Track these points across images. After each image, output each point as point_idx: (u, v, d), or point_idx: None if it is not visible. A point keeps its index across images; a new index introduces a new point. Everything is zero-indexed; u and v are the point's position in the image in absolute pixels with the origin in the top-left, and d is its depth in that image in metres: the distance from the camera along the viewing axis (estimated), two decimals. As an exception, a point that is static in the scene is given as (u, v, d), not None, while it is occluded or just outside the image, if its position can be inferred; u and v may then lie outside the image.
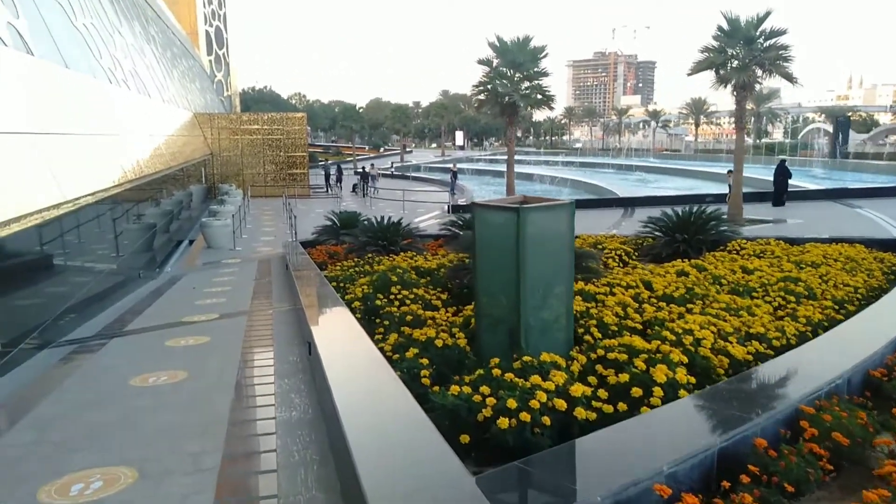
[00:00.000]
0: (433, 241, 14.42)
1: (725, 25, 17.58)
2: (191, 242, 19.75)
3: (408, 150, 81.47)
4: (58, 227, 8.48)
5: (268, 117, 34.23)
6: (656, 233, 12.33)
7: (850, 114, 64.60)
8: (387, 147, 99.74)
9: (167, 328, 7.94)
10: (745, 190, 19.85)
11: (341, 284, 8.17)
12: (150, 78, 21.76)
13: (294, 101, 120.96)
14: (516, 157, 66.57)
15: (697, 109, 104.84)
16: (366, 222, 13.17)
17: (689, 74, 18.39)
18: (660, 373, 3.78)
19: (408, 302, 6.47)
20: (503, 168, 52.66)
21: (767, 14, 17.01)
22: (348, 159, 67.23)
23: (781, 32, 17.08)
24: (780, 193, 21.31)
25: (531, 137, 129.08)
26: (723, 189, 29.49)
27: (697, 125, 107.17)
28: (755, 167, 46.05)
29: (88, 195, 9.34)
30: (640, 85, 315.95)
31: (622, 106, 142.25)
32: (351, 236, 12.94)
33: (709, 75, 18.40)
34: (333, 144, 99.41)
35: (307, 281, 9.24)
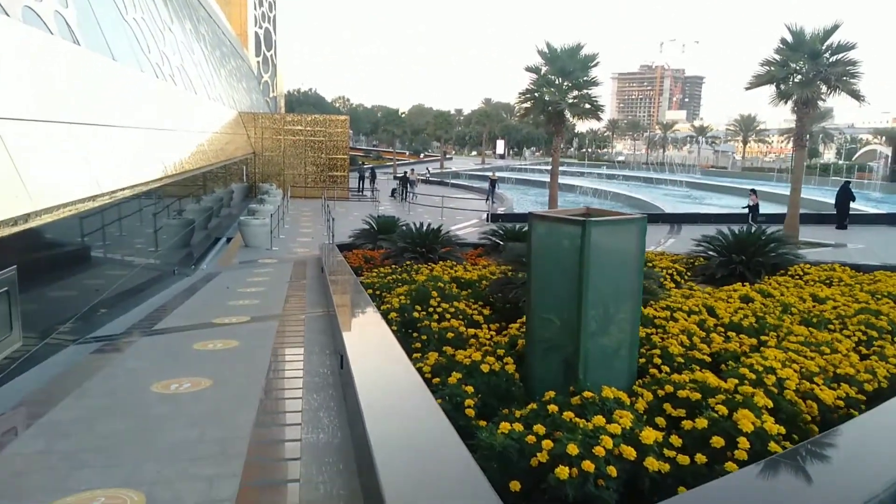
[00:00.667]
0: (472, 251, 13.97)
1: (789, 38, 16.73)
2: (228, 240, 19.71)
3: (448, 156, 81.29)
4: (97, 219, 8.31)
5: (311, 119, 34.32)
6: (710, 252, 11.62)
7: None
8: (427, 153, 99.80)
9: (197, 329, 7.66)
10: (801, 210, 18.91)
11: (377, 292, 7.76)
12: (198, 75, 21.89)
13: (338, 105, 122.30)
14: (564, 169, 65.74)
15: (746, 126, 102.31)
16: (404, 228, 12.78)
17: (747, 88, 17.58)
18: (745, 420, 3.24)
19: (447, 316, 6.01)
20: (544, 178, 52.01)
21: (835, 27, 16.13)
22: (388, 163, 67.38)
23: (850, 47, 16.16)
24: (843, 216, 20.22)
25: (573, 149, 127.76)
26: (774, 208, 28.37)
27: (745, 142, 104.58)
28: (809, 188, 44.41)
29: (126, 188, 9.17)
30: (687, 100, 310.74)
31: (667, 120, 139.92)
32: (388, 242, 12.58)
33: (764, 90, 17.58)
34: (374, 149, 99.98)
35: (342, 286, 8.87)
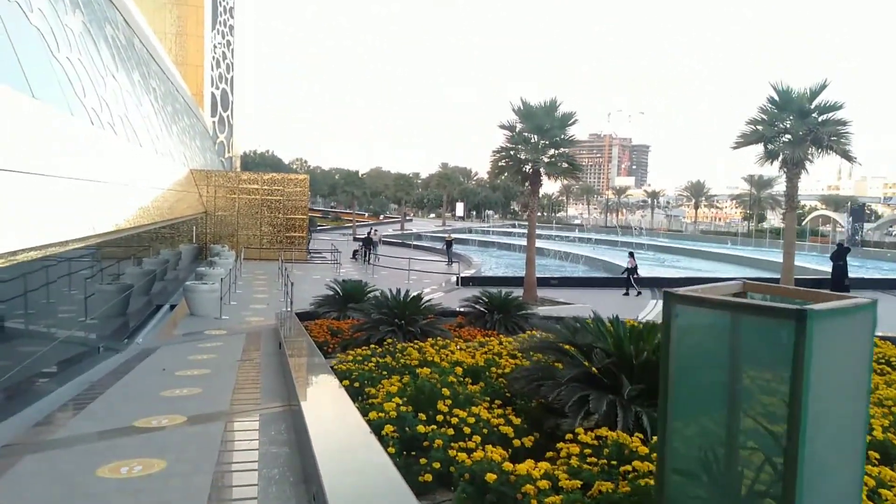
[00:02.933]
0: (452, 320, 12.31)
1: (776, 96, 16.14)
2: (172, 307, 17.50)
3: (408, 218, 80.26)
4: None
5: (268, 178, 32.66)
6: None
7: (861, 204, 64.02)
8: (386, 215, 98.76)
9: (108, 439, 5.68)
10: (770, 275, 17.94)
11: (356, 384, 5.98)
12: (145, 128, 20.12)
13: (295, 166, 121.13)
14: (519, 230, 65.16)
15: (697, 192, 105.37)
16: (378, 295, 11.06)
17: (734, 148, 16.84)
18: None
19: (466, 430, 4.28)
20: (509, 241, 51.20)
21: (823, 86, 15.63)
22: (347, 225, 65.75)
23: (838, 107, 15.64)
24: (841, 279, 19.24)
25: (528, 213, 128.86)
26: (759, 273, 27.78)
27: (697, 207, 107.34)
28: (767, 250, 44.61)
29: (33, 248, 7.25)
30: (634, 167, 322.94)
31: (619, 186, 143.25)
32: (360, 311, 10.80)
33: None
34: (332, 210, 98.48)
35: (307, 373, 7.04)
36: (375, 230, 39.33)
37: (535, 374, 5.03)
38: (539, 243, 47.21)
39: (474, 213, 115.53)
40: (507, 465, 3.42)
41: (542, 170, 18.57)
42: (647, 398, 4.36)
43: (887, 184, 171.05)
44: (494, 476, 3.32)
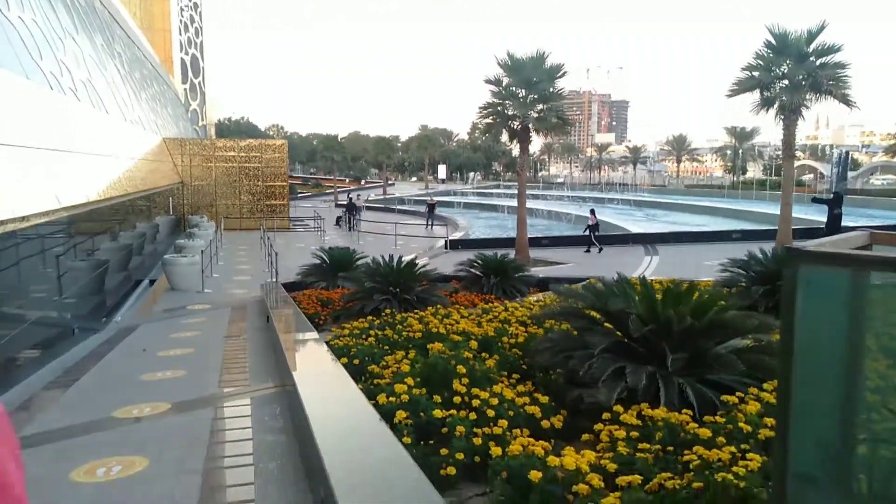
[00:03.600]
0: (446, 285, 11.80)
1: (772, 40, 15.52)
2: (152, 283, 16.79)
3: (390, 182, 79.13)
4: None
5: (245, 144, 31.52)
6: (741, 279, 9.80)
7: (845, 152, 64.06)
8: (367, 180, 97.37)
9: (83, 434, 5.12)
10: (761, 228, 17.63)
11: (355, 361, 5.44)
12: (111, 94, 19.02)
13: (272, 133, 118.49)
14: (503, 191, 64.45)
15: (679, 146, 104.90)
16: (370, 263, 10.48)
17: (729, 95, 16.26)
18: None
19: (487, 411, 3.77)
20: (494, 202, 50.53)
21: (822, 28, 15.02)
22: (328, 191, 64.61)
23: (836, 49, 15.07)
24: (837, 227, 18.91)
25: (510, 173, 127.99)
26: (750, 225, 27.49)
27: (679, 162, 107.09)
28: (755, 202, 44.48)
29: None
30: (614, 123, 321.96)
31: (599, 143, 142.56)
32: (351, 280, 10.23)
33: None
34: (312, 176, 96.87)
35: (300, 348, 6.49)
36: (358, 195, 38.51)
37: (561, 345, 4.52)
38: (528, 204, 46.67)
39: (456, 174, 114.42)
40: (553, 460, 2.90)
41: (531, 125, 17.86)
42: (691, 369, 3.89)
43: (864, 132, 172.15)
44: (539, 474, 2.81)
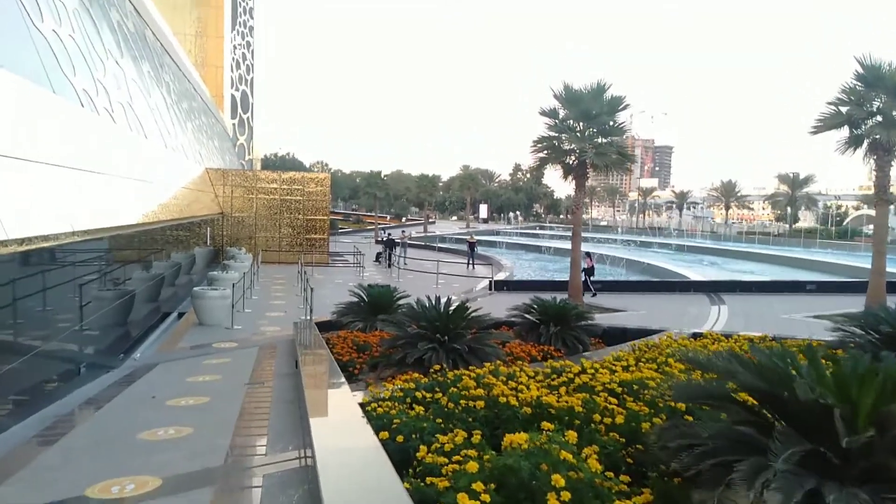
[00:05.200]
0: (496, 332, 10.41)
1: (862, 72, 14.01)
2: (181, 316, 15.84)
3: (430, 220, 78.52)
4: None
5: (288, 176, 31.02)
6: (854, 339, 8.16)
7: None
8: (408, 217, 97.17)
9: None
10: (838, 279, 15.64)
11: (398, 438, 4.12)
12: (153, 120, 18.54)
13: (316, 169, 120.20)
14: (546, 232, 62.95)
15: (728, 192, 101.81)
16: (413, 305, 9.20)
17: (813, 133, 14.75)
18: None
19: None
20: (537, 242, 49.10)
21: (922, 59, 13.45)
22: (369, 228, 64.18)
23: (939, 82, 13.46)
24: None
25: (552, 215, 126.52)
26: (821, 276, 25.38)
27: (728, 208, 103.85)
28: (817, 251, 41.97)
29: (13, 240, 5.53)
30: (657, 168, 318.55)
31: (644, 187, 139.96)
32: (392, 324, 8.95)
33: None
34: (354, 213, 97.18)
35: (328, 410, 5.21)
36: (403, 231, 37.59)
37: (716, 446, 3.10)
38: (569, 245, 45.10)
39: (496, 214, 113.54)
40: None
41: (588, 161, 16.56)
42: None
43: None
44: None
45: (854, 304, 17.14)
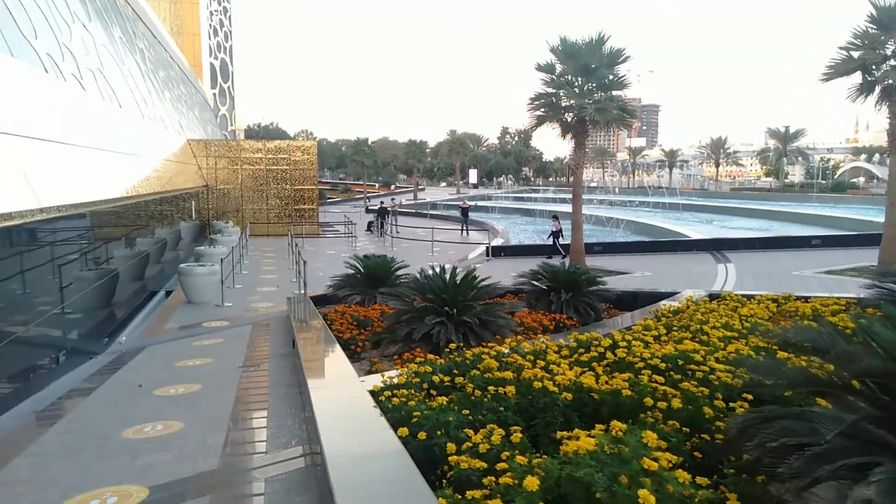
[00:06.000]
0: (500, 299, 9.82)
1: (876, 14, 13.27)
2: (168, 294, 15.15)
3: (420, 187, 77.48)
4: None
5: (273, 145, 29.99)
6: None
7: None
8: (397, 185, 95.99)
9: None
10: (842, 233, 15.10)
11: (420, 435, 3.53)
12: (128, 89, 17.54)
13: (301, 138, 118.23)
14: (538, 195, 62.17)
15: (717, 149, 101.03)
16: (417, 275, 8.57)
17: (824, 80, 14.05)
18: None
19: None
20: (531, 206, 48.39)
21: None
22: (358, 197, 63.17)
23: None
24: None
25: (541, 178, 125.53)
26: (823, 230, 24.89)
27: (718, 165, 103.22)
28: (816, 205, 41.65)
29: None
30: (645, 127, 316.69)
31: (632, 146, 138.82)
32: (395, 297, 8.32)
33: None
34: (342, 182, 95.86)
35: (337, 402, 4.60)
36: (393, 199, 36.75)
37: (838, 450, 2.49)
38: (566, 207, 44.49)
39: (486, 179, 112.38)
40: None
41: (588, 118, 15.80)
42: None
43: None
44: None
45: (864, 258, 16.73)
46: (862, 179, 67.85)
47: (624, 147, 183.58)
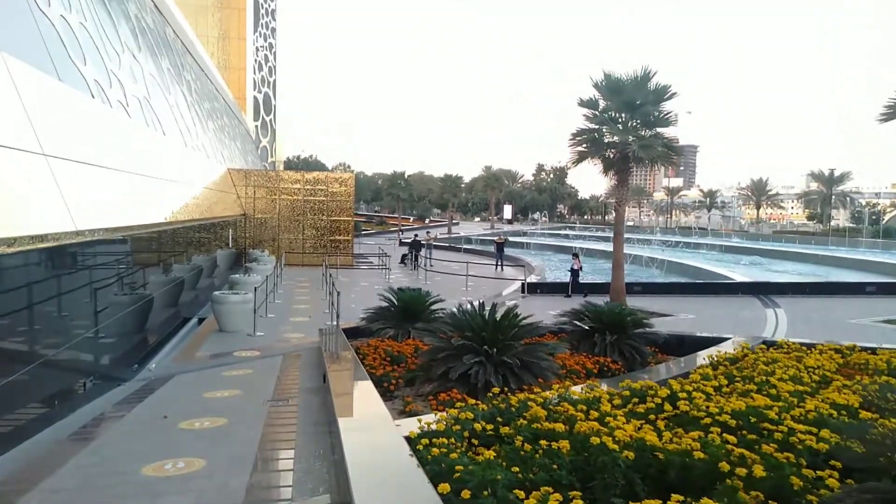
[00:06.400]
0: (539, 339, 9.36)
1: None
2: (201, 321, 15.06)
3: (454, 222, 77.51)
4: None
5: (312, 177, 30.27)
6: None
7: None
8: (431, 219, 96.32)
9: None
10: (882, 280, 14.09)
11: (464, 494, 3.13)
12: (172, 118, 17.84)
13: (339, 171, 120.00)
14: (573, 233, 61.48)
15: (759, 191, 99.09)
16: (454, 311, 8.20)
17: (881, 121, 13.48)
18: None
19: None
20: (565, 243, 47.78)
21: None
22: (392, 230, 63.43)
23: None
24: None
25: (576, 216, 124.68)
26: (876, 276, 23.93)
27: (759, 207, 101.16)
28: (865, 251, 40.19)
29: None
30: (682, 168, 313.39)
31: (670, 186, 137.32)
32: (431, 334, 7.96)
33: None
34: (377, 214, 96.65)
35: (368, 457, 4.23)
36: (427, 232, 36.65)
37: None
38: (602, 246, 43.77)
39: (520, 215, 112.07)
40: None
41: (631, 154, 15.40)
42: None
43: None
44: None
45: (925, 307, 15.81)
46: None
47: (661, 187, 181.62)
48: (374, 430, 4.57)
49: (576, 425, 3.82)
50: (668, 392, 4.81)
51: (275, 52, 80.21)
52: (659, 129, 15.76)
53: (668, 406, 4.61)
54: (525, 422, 4.05)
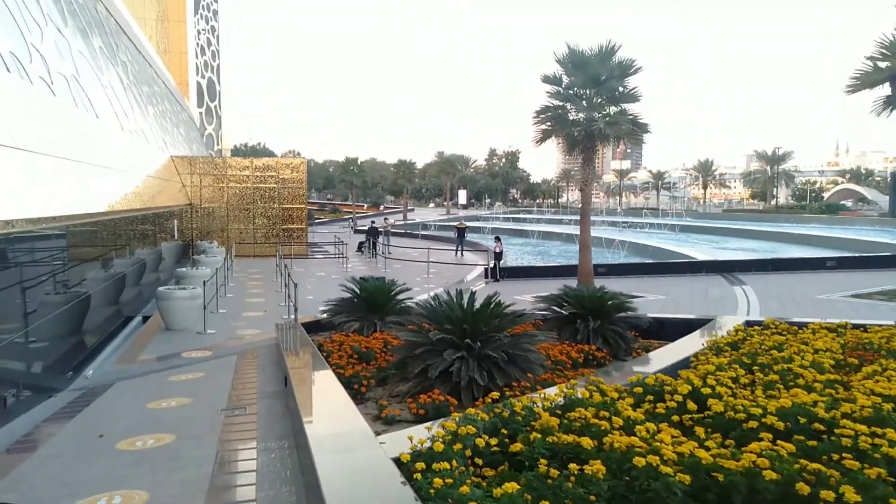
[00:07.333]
0: (520, 328, 8.73)
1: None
2: (145, 320, 13.91)
3: (409, 208, 76.48)
4: None
5: (261, 163, 28.88)
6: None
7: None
8: (385, 206, 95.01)
9: None
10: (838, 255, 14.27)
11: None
12: (106, 99, 16.41)
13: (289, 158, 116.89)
14: (530, 216, 61.45)
15: (705, 171, 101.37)
16: (430, 301, 7.46)
17: (849, 92, 13.29)
18: None
19: None
20: (522, 227, 47.59)
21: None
22: (346, 217, 62.07)
23: None
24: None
25: (528, 199, 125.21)
26: (830, 251, 24.28)
27: (706, 187, 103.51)
28: (813, 226, 41.24)
29: None
30: (629, 150, 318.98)
31: (619, 168, 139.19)
32: (402, 327, 7.20)
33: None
34: (330, 202, 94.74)
35: (351, 490, 3.48)
36: (385, 219, 35.71)
37: None
38: (559, 229, 43.59)
39: (475, 200, 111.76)
40: None
41: (597, 132, 14.90)
42: None
43: (887, 157, 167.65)
44: None
45: (887, 281, 15.91)
46: (850, 202, 67.91)
47: (610, 169, 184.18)
48: (353, 450, 3.82)
49: (604, 438, 3.16)
50: (690, 388, 4.19)
51: (217, 36, 77.13)
52: (624, 105, 15.28)
53: (690, 404, 3.99)
54: (538, 435, 3.37)
